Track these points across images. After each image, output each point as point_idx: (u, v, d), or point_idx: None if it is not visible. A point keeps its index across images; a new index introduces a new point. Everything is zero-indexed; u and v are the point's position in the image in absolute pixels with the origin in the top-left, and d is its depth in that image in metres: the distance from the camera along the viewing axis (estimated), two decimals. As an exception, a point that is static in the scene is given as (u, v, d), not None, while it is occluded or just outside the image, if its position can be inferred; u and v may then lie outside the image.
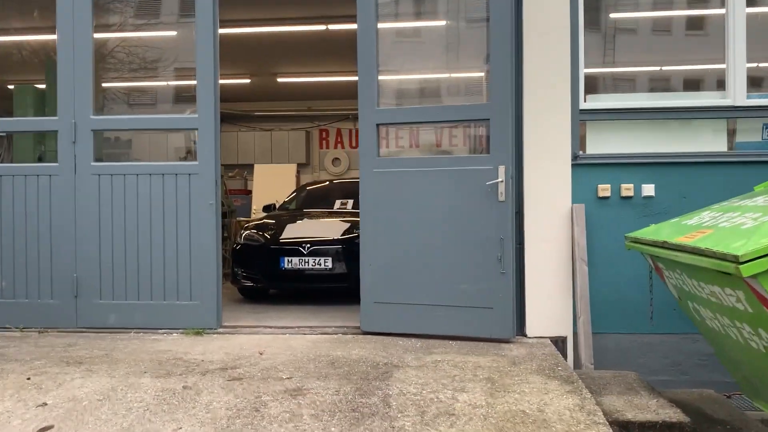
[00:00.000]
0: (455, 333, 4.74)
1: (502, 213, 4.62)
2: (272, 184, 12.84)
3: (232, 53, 9.02)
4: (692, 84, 5.16)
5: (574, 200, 4.79)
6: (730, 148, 4.92)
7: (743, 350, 3.14)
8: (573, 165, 4.80)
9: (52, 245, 5.22)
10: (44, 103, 7.77)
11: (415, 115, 4.93)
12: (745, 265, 2.56)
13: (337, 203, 7.65)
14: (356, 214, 7.06)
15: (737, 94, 4.81)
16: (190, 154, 11.45)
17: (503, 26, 4.64)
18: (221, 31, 5.26)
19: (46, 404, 3.35)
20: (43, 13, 6.86)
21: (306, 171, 13.70)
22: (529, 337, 4.80)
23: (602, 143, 4.97)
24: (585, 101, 4.92)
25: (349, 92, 12.68)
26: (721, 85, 4.91)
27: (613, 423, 3.35)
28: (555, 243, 4.78)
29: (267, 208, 8.43)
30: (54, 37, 5.29)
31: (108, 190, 5.19)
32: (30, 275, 5.23)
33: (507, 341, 4.66)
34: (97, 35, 5.33)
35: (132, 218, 5.17)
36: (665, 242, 3.45)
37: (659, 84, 5.25)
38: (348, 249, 6.35)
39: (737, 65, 4.80)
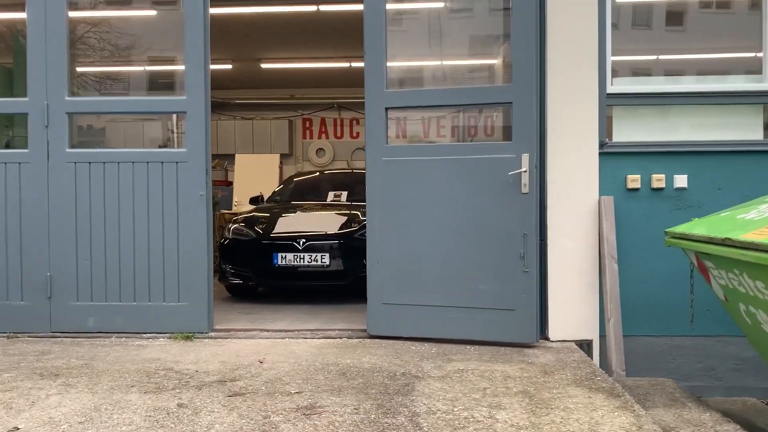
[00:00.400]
0: (473, 337, 4.33)
1: (525, 206, 4.21)
2: (254, 175, 12.30)
3: (213, 36, 8.47)
4: (725, 69, 4.78)
5: (602, 192, 4.40)
6: (767, 136, 4.56)
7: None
8: (600, 154, 4.40)
9: (22, 241, 4.68)
10: (12, 84, 7.16)
11: (428, 98, 4.49)
12: None
13: (331, 195, 7.18)
14: (353, 207, 6.62)
15: (774, 78, 4.46)
16: (169, 143, 10.89)
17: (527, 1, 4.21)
18: (206, 9, 4.75)
19: (17, 429, 2.86)
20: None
21: (289, 161, 13.19)
22: (552, 341, 4.41)
23: (630, 130, 4.58)
24: (611, 84, 4.51)
25: (335, 80, 12.21)
26: (757, 69, 4.55)
27: (671, 443, 2.97)
28: (580, 239, 4.39)
29: (254, 201, 7.92)
30: (23, 15, 4.74)
31: (85, 180, 4.68)
32: (-3, 274, 4.70)
33: (530, 346, 4.26)
34: (72, 13, 4.79)
35: (113, 211, 4.66)
36: (727, 239, 3.07)
37: (690, 68, 4.86)
38: (346, 244, 5.90)
39: (774, 47, 4.45)
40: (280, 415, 2.98)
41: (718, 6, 4.88)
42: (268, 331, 4.74)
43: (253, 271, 5.97)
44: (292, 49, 10.40)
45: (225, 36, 9.16)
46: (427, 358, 4.01)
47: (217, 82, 11.60)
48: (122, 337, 4.61)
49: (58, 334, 4.67)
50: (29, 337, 4.64)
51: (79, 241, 4.67)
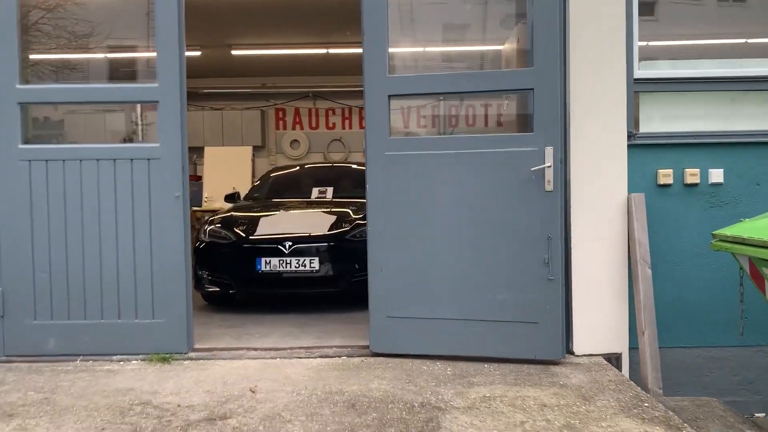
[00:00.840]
0: (491, 354, 3.85)
1: (549, 206, 3.73)
2: (225, 168, 11.64)
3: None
4: (765, 52, 4.35)
5: (630, 189, 3.95)
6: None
7: None
8: (628, 146, 3.95)
9: (-32, 251, 4.06)
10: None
11: (436, 85, 3.96)
12: None
13: (315, 192, 6.62)
14: (342, 204, 6.08)
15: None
16: (134, 136, 10.16)
17: (549, -27, 3.72)
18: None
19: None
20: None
21: (262, 154, 12.53)
22: (578, 356, 3.95)
23: (658, 120, 4.14)
24: (638, 69, 4.05)
25: (310, 68, 11.59)
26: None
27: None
28: (607, 241, 3.94)
29: (229, 198, 7.30)
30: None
31: (42, 181, 4.05)
32: (-60, 290, 4.07)
33: (555, 363, 3.80)
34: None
35: (75, 216, 4.05)
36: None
37: (728, 51, 4.42)
38: (337, 246, 5.36)
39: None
40: (288, 469, 2.46)
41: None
42: (255, 349, 4.19)
43: (233, 278, 5.39)
44: (265, 34, 9.75)
45: (193, 20, 8.47)
46: (444, 381, 3.52)
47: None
48: (89, 360, 4.02)
49: (14, 359, 4.05)
50: (-21, 362, 4.02)
51: (35, 251, 4.05)
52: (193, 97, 12.02)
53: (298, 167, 7.74)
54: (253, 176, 12.00)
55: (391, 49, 3.94)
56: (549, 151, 3.70)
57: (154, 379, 3.63)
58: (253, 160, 12.17)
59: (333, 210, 5.87)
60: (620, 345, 3.96)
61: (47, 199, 4.05)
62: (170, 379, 3.64)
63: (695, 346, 4.06)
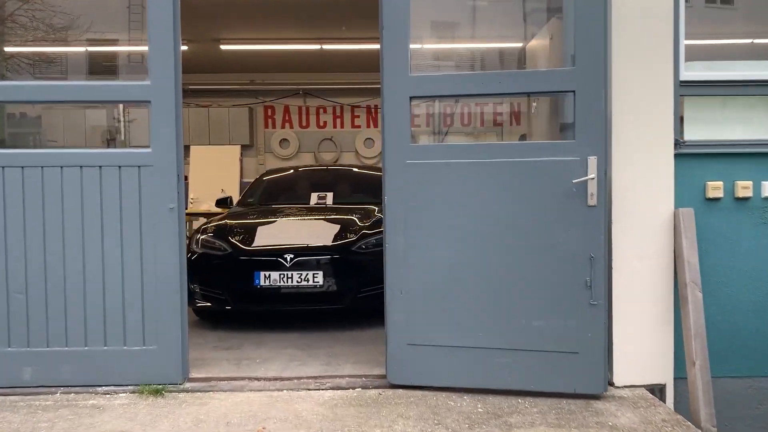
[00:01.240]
0: (524, 387, 3.46)
1: (591, 222, 3.34)
2: (212, 168, 11.15)
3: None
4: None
5: (677, 203, 3.57)
6: None
7: None
8: (674, 156, 3.57)
9: (-67, 270, 3.58)
10: None
11: (465, 85, 3.54)
12: None
13: (314, 197, 6.17)
14: (345, 211, 5.66)
15: None
16: (118, 135, 9.61)
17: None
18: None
19: None
20: None
21: (250, 153, 12.04)
22: (618, 387, 3.57)
23: (704, 127, 3.76)
24: (684, 70, 3.67)
25: (301, 64, 11.13)
26: None
27: None
28: (651, 260, 3.56)
29: (221, 203, 6.86)
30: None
31: (17, 190, 3.59)
32: None
33: (597, 397, 3.42)
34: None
35: (55, 230, 3.59)
36: None
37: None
38: (343, 259, 4.93)
39: None
40: None
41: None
42: (258, 379, 3.75)
43: (228, 293, 4.93)
44: (255, 28, 9.28)
45: (180, 12, 8.00)
46: (478, 421, 3.11)
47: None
48: (70, 393, 3.56)
49: (-15, 391, 3.59)
50: (-55, 396, 3.54)
51: (9, 270, 3.58)
52: (179, 93, 11.49)
53: (293, 170, 7.28)
54: (242, 177, 11.54)
55: (413, 46, 3.52)
56: (592, 161, 3.31)
57: (147, 419, 3.18)
58: (240, 160, 11.70)
59: (336, 218, 5.43)
60: (664, 375, 3.58)
61: (23, 211, 3.58)
62: (165, 417, 3.20)
63: (745, 376, 3.69)
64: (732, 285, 3.68)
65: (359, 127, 12.11)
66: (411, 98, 3.53)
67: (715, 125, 3.76)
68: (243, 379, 3.75)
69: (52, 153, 3.72)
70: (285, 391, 3.59)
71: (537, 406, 3.31)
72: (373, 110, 12.03)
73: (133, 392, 3.56)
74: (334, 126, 12.17)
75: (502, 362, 3.46)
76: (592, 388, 3.39)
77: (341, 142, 12.00)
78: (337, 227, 5.20)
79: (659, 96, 3.55)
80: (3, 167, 3.57)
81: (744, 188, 3.64)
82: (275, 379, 3.76)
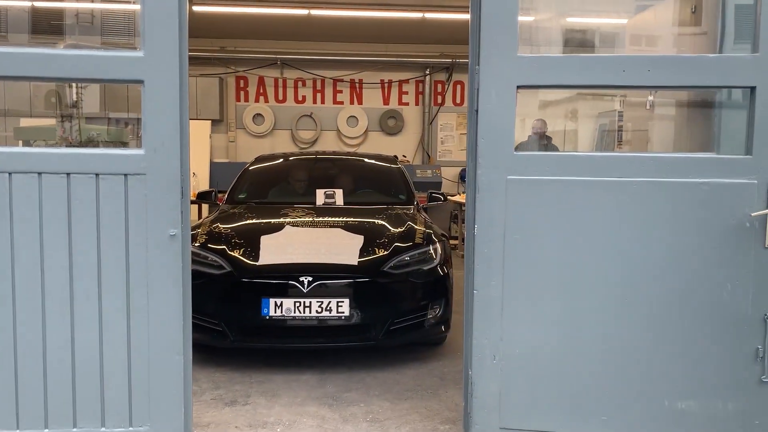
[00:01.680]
0: (663, 489, 2.55)
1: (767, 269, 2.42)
2: (177, 146, 9.88)
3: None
4: None
5: None
6: None
7: None
8: None
9: None
10: None
11: (598, 71, 2.53)
12: None
13: (320, 195, 5.08)
14: (367, 215, 4.63)
15: None
16: (68, 115, 8.14)
17: None
18: None
19: None
20: None
21: (219, 129, 10.77)
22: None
23: None
24: None
25: (280, 31, 9.92)
26: None
27: None
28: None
29: (203, 197, 5.69)
30: None
31: (-56, 206, 2.45)
32: None
33: (760, 504, 2.53)
34: None
35: (2, 269, 2.48)
36: None
37: None
38: (372, 283, 3.91)
39: None
40: None
41: None
42: (291, 468, 2.75)
43: (228, 324, 3.86)
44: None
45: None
46: None
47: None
48: (23, 495, 2.49)
49: None
50: None
51: (-68, 322, 2.47)
52: (140, 59, 10.11)
53: (290, 158, 6.10)
54: (211, 156, 10.35)
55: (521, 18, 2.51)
56: (776, 187, 2.38)
57: None
58: (210, 137, 10.47)
59: (358, 225, 4.39)
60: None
61: (-47, 237, 2.45)
62: None
63: None
64: None
65: (342, 103, 10.98)
66: (518, 87, 2.52)
67: None
68: (269, 469, 2.74)
69: (4, 152, 2.58)
70: (330, 490, 2.60)
71: None
72: (357, 85, 10.92)
73: (116, 495, 2.52)
74: (314, 101, 11.00)
75: (635, 456, 2.54)
76: (759, 494, 2.51)
77: (322, 119, 10.86)
78: (360, 239, 4.16)
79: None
80: None
81: None
82: (313, 468, 2.76)
